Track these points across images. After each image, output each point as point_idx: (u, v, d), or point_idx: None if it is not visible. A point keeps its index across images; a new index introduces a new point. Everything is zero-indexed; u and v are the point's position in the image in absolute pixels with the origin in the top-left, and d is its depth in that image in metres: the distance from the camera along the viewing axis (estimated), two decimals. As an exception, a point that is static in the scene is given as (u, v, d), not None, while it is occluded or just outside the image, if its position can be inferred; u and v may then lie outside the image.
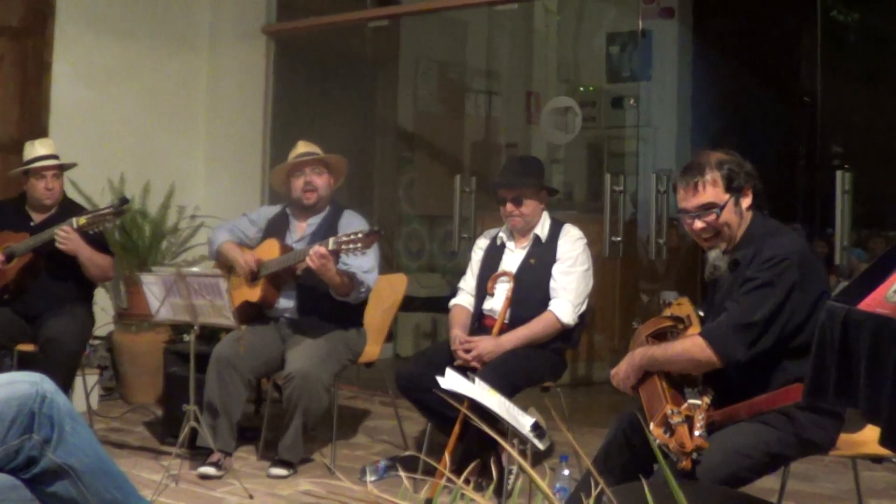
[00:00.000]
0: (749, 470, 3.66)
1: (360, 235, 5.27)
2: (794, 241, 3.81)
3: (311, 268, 5.42)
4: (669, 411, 3.53)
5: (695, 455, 3.41)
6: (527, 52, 10.52)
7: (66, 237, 5.77)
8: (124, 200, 5.95)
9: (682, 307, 4.14)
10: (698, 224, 3.91)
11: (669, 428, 3.47)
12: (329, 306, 5.73)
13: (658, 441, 3.45)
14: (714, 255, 3.94)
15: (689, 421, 3.50)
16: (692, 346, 3.77)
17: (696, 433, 3.45)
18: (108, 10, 7.82)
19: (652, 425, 3.52)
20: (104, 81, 7.83)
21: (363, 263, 5.65)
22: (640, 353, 3.92)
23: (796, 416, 3.67)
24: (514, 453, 1.70)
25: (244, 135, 8.59)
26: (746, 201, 3.90)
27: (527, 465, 1.79)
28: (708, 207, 3.87)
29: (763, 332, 3.68)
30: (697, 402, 3.63)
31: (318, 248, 5.36)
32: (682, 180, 3.94)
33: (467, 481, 1.89)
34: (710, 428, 3.59)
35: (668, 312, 4.18)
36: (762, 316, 3.67)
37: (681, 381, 3.82)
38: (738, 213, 3.88)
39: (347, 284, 5.62)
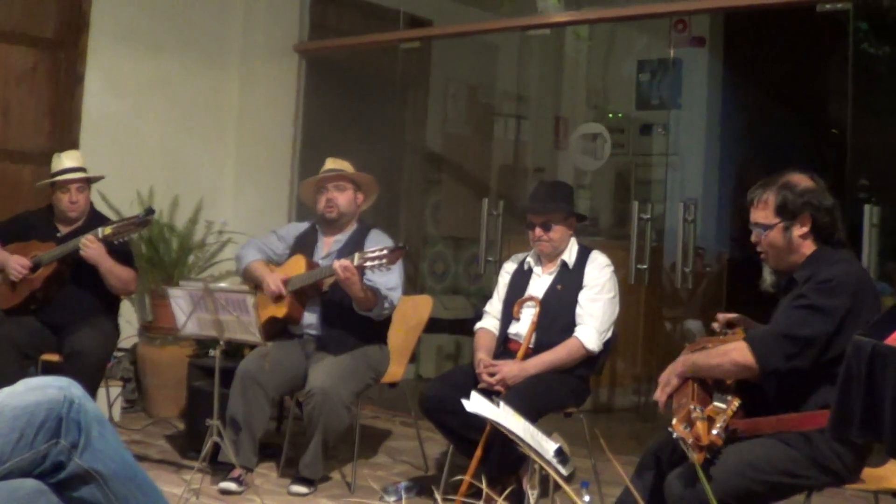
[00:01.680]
0: (763, 485, 3.68)
1: (384, 251, 5.34)
2: (853, 269, 3.85)
3: (338, 279, 5.49)
4: (692, 407, 3.55)
5: (707, 454, 3.47)
6: (556, 77, 10.54)
7: (90, 244, 5.80)
8: (150, 211, 5.98)
9: (736, 336, 4.15)
10: (753, 237, 4.04)
11: (690, 424, 3.49)
12: (353, 324, 5.76)
13: (676, 435, 3.48)
14: (765, 270, 4.04)
15: (711, 420, 3.54)
16: (734, 348, 3.83)
17: (714, 431, 3.48)
18: (141, 25, 7.87)
19: (675, 421, 3.55)
20: (136, 95, 7.88)
21: (388, 281, 5.69)
22: (682, 360, 3.98)
23: (815, 439, 3.68)
24: (554, 474, 1.71)
25: (273, 152, 8.63)
26: (800, 230, 3.90)
27: (565, 485, 1.79)
28: (758, 225, 3.96)
29: (803, 350, 3.71)
30: (723, 405, 3.68)
31: (344, 262, 5.42)
32: (752, 192, 4.05)
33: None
34: (732, 436, 3.64)
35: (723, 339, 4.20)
36: (806, 335, 3.71)
37: (713, 387, 3.86)
38: (786, 238, 3.92)
39: (371, 299, 5.66)
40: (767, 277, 4.08)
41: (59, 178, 6.07)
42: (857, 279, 3.80)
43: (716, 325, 4.37)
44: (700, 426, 3.46)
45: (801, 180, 3.95)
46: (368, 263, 5.39)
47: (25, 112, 7.43)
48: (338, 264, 5.46)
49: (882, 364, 2.56)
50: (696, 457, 3.42)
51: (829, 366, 3.69)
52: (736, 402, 3.71)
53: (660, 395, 3.98)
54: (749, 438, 3.75)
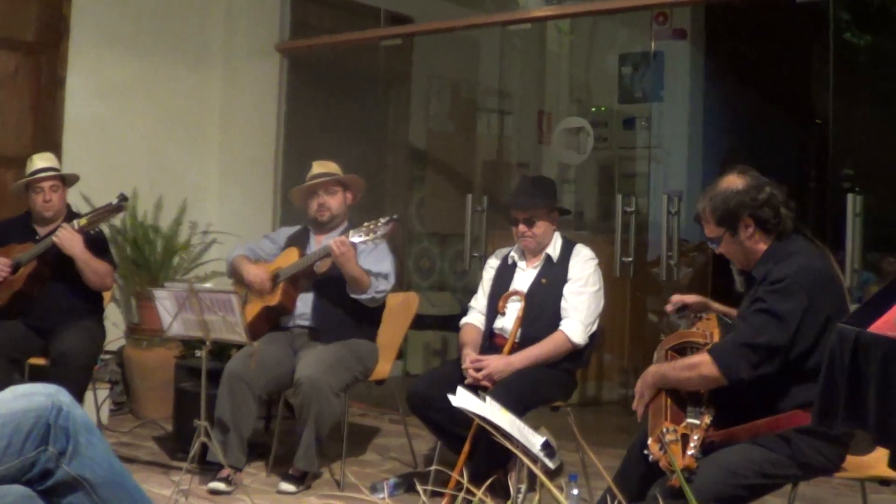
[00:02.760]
0: (743, 489, 3.68)
1: (380, 223, 5.39)
2: (809, 264, 3.80)
3: (333, 255, 5.56)
4: (665, 430, 3.56)
5: (685, 474, 3.46)
6: (539, 72, 10.54)
7: (64, 232, 5.78)
8: (123, 197, 5.93)
9: (710, 322, 4.16)
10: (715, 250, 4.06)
11: (665, 445, 3.50)
12: (346, 313, 5.83)
13: (652, 458, 3.49)
14: (733, 271, 4.08)
15: (685, 440, 3.54)
16: (700, 362, 3.80)
17: (689, 453, 3.50)
18: (122, 26, 7.85)
19: (650, 441, 3.57)
20: (118, 97, 7.86)
21: (381, 268, 5.77)
22: (653, 372, 3.96)
23: (794, 440, 3.69)
24: (536, 469, 1.72)
25: (257, 152, 8.62)
26: (746, 232, 3.91)
27: (546, 480, 1.80)
28: (709, 240, 4.03)
29: (767, 357, 3.70)
30: (696, 422, 3.68)
31: (339, 237, 5.54)
32: (696, 207, 4.08)
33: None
34: (709, 448, 3.65)
35: (695, 327, 4.20)
36: (766, 342, 3.69)
37: (686, 399, 3.85)
38: (736, 244, 3.95)
39: (365, 279, 5.71)
40: (736, 278, 4.11)
41: (31, 178, 6.06)
42: (814, 273, 3.77)
43: (669, 307, 4.38)
44: (674, 449, 3.48)
45: (732, 182, 3.94)
46: (363, 238, 5.46)
47: (7, 116, 7.41)
48: (333, 241, 5.54)
49: (866, 352, 2.57)
50: (673, 480, 3.44)
51: (797, 363, 3.71)
52: (708, 417, 3.72)
53: (636, 407, 3.99)
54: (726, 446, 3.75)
